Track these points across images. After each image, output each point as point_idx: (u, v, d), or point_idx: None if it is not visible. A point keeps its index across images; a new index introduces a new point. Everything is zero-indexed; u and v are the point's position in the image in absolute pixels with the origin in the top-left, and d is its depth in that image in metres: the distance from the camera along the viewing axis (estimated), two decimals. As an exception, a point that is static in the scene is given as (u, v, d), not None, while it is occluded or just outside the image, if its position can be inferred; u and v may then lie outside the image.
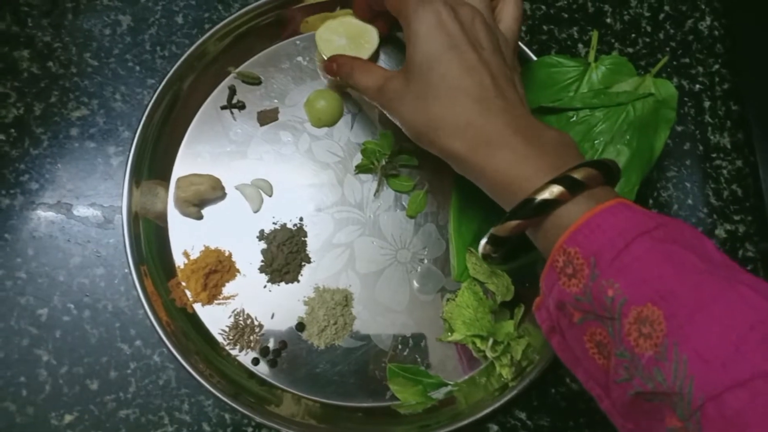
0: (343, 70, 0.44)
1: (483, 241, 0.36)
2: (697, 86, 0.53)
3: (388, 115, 0.40)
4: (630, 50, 0.53)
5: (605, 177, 0.32)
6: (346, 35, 0.47)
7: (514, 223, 0.33)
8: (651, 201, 0.50)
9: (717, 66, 0.54)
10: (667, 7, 0.55)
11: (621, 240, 0.28)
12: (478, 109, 0.35)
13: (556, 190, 0.31)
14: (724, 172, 0.51)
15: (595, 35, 0.49)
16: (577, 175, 0.31)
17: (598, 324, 0.29)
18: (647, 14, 0.55)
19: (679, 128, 0.52)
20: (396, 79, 0.39)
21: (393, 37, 0.50)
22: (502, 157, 0.34)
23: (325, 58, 0.47)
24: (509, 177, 0.33)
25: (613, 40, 0.54)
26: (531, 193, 0.32)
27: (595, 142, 0.46)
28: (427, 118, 0.36)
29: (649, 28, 0.54)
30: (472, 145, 0.35)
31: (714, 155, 0.51)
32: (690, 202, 0.50)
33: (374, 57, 0.48)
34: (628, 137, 0.45)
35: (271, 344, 0.45)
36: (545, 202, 0.31)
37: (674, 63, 0.54)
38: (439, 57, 0.36)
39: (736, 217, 0.50)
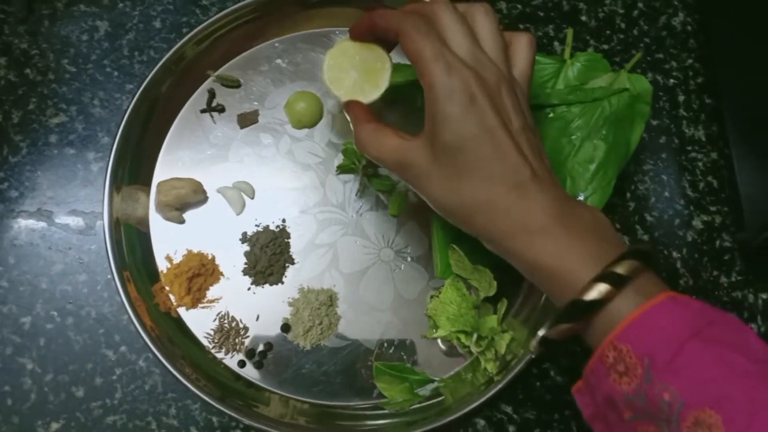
0: (353, 124, 0.40)
1: (534, 343, 0.35)
2: (672, 81, 0.54)
3: (410, 187, 0.38)
4: (605, 47, 0.54)
5: (645, 263, 0.32)
6: (356, 68, 0.41)
7: (565, 326, 0.32)
8: (629, 194, 0.51)
9: (690, 60, 0.55)
10: (640, 4, 0.56)
11: (675, 342, 0.28)
12: (515, 196, 0.34)
13: (603, 289, 0.31)
14: (700, 164, 0.52)
15: (569, 33, 0.49)
16: (621, 270, 0.31)
17: (651, 424, 0.29)
18: (621, 11, 0.55)
19: (654, 122, 0.53)
20: (419, 152, 0.35)
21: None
22: (543, 246, 0.33)
23: (332, 91, 0.41)
24: (551, 267, 0.33)
25: (588, 37, 0.54)
26: (577, 292, 0.31)
27: (572, 137, 0.46)
28: (461, 201, 0.35)
29: (623, 25, 0.55)
30: (511, 231, 0.34)
31: (689, 148, 0.52)
32: (667, 194, 0.51)
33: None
34: (604, 132, 0.46)
35: (256, 346, 0.45)
36: (594, 302, 0.31)
37: (648, 58, 0.54)
38: (471, 139, 0.33)
39: (713, 208, 0.51)
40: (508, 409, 0.46)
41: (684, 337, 0.29)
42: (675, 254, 0.50)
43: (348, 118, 0.41)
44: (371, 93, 0.41)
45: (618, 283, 0.31)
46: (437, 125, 0.34)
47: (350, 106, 0.41)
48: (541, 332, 0.34)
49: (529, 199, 0.34)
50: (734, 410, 0.27)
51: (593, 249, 0.33)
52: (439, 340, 0.46)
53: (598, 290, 0.31)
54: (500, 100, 0.35)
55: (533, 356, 0.36)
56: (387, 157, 0.37)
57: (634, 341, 0.29)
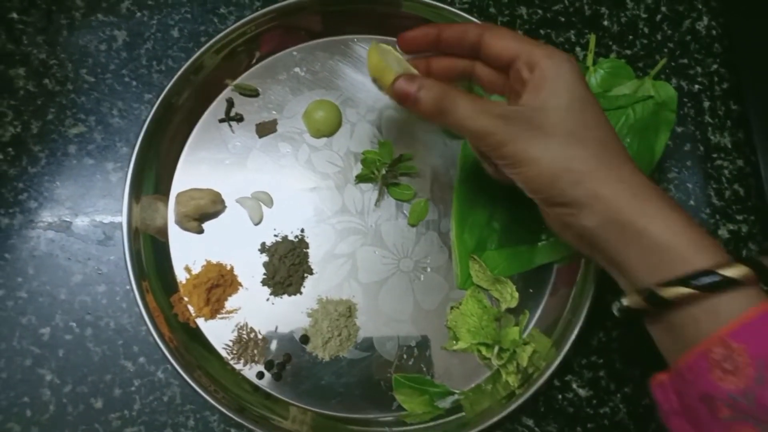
0: (430, 94, 0.35)
1: (634, 298, 0.33)
2: (696, 86, 0.53)
3: (496, 152, 0.35)
4: (628, 52, 0.53)
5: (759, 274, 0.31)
6: (401, 67, 0.40)
7: (685, 291, 0.30)
8: (653, 203, 0.50)
9: (715, 66, 0.54)
10: (664, 8, 0.55)
11: None
12: (624, 158, 0.34)
13: (743, 271, 0.29)
14: (726, 172, 0.51)
15: (592, 39, 0.49)
16: (734, 273, 0.29)
17: (750, 425, 0.28)
18: (644, 16, 0.54)
19: (679, 129, 0.52)
20: (530, 112, 0.34)
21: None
22: (667, 217, 0.32)
23: (380, 64, 0.39)
24: (670, 241, 0.31)
25: (610, 43, 0.53)
26: (712, 265, 0.30)
27: (596, 145, 0.46)
28: (581, 155, 0.33)
29: (646, 30, 0.54)
30: (626, 198, 0.32)
31: (715, 155, 0.51)
32: (692, 203, 0.50)
33: None
34: (628, 140, 0.45)
35: (275, 357, 0.45)
36: (727, 279, 0.29)
37: (672, 64, 0.53)
38: (590, 103, 0.34)
39: (739, 217, 0.50)
40: (530, 422, 0.45)
41: None
42: (701, 264, 0.49)
43: (405, 100, 0.36)
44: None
45: (761, 274, 0.30)
46: (559, 86, 0.34)
47: (419, 78, 0.36)
48: (625, 301, 0.33)
49: (636, 169, 0.34)
50: None
51: (701, 236, 0.31)
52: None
53: (738, 270, 0.29)
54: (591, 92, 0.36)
55: (619, 315, 0.35)
56: (482, 112, 0.34)
57: (749, 341, 0.28)
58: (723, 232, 0.50)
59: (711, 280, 0.29)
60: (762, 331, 0.29)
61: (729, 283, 0.29)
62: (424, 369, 0.45)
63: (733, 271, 0.29)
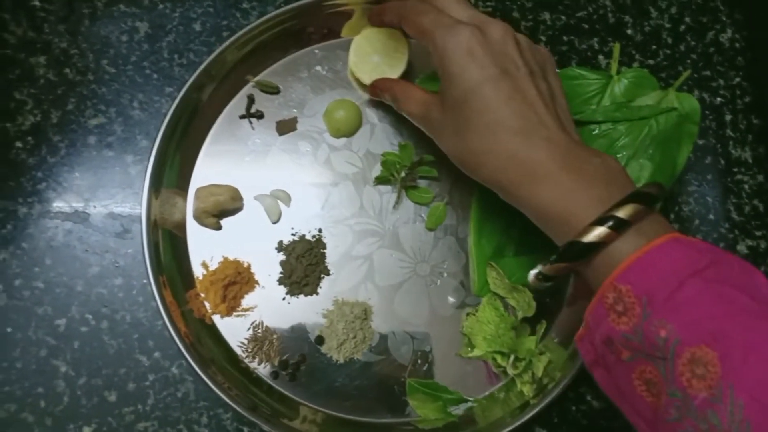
0: (386, 96, 0.44)
1: (532, 273, 0.37)
2: (719, 99, 0.53)
3: (434, 140, 0.41)
4: (651, 62, 0.53)
5: (651, 206, 0.32)
6: (378, 51, 0.47)
7: (562, 264, 0.33)
8: (672, 216, 0.50)
9: (738, 79, 0.53)
10: (687, 19, 0.54)
11: (674, 280, 0.28)
12: (518, 142, 0.34)
13: (601, 232, 0.31)
14: (746, 186, 0.51)
15: (616, 48, 0.48)
16: (622, 213, 0.31)
17: (649, 363, 0.29)
18: (668, 26, 0.54)
19: (700, 142, 0.52)
20: (435, 107, 0.39)
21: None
22: (547, 191, 0.34)
23: (355, 74, 0.48)
24: (555, 212, 0.33)
25: (633, 52, 0.53)
26: (576, 234, 0.32)
27: (618, 156, 0.45)
28: (468, 151, 0.36)
29: (670, 40, 0.54)
30: (515, 178, 0.35)
31: (735, 169, 0.51)
32: (711, 217, 0.50)
33: (407, 67, 0.47)
34: (650, 152, 0.45)
35: (290, 357, 0.45)
36: (592, 245, 0.31)
37: (695, 75, 0.53)
38: (473, 90, 0.35)
39: (758, 233, 0.50)
40: None
41: (684, 275, 0.28)
42: (717, 279, 0.49)
43: (379, 96, 0.46)
44: (390, 74, 0.47)
45: (619, 226, 0.31)
46: (444, 82, 0.37)
47: (379, 80, 0.45)
48: (538, 268, 0.36)
49: (533, 145, 0.34)
50: (731, 346, 0.26)
51: (598, 192, 0.33)
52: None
53: (597, 234, 0.31)
54: (504, 49, 0.36)
55: (530, 288, 0.38)
56: (415, 110, 0.41)
57: (633, 281, 0.30)
58: (742, 248, 0.50)
59: (594, 237, 0.31)
60: (644, 269, 0.30)
61: (621, 224, 0.31)
62: (438, 375, 0.45)
63: (622, 212, 0.31)
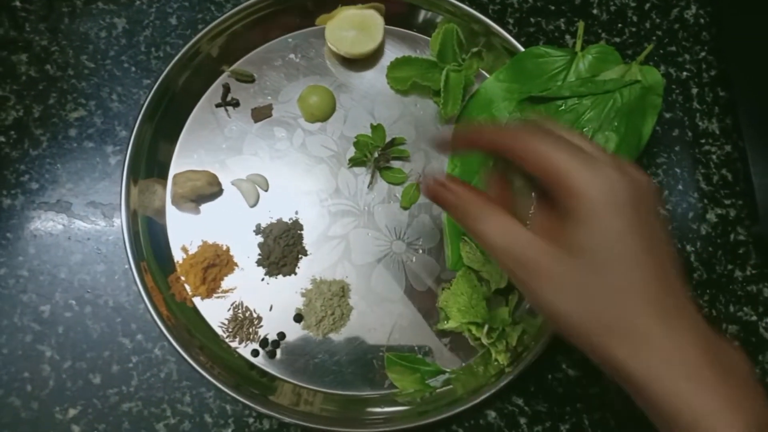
0: (460, 209, 0.32)
1: None
2: (685, 73, 0.54)
3: (518, 287, 0.32)
4: (617, 40, 0.54)
5: None
6: (353, 27, 0.49)
7: None
8: (641, 187, 0.51)
9: (703, 53, 0.54)
10: (653, -3, 0.56)
11: None
12: (660, 323, 0.28)
13: None
14: (714, 157, 0.52)
15: (581, 25, 0.50)
16: None
17: None
18: (633, 4, 0.55)
19: (667, 115, 0.53)
20: (554, 258, 0.29)
21: (394, 18, 0.52)
22: (686, 388, 0.27)
23: (334, 49, 0.50)
24: (689, 418, 0.27)
25: (600, 31, 0.54)
26: None
27: (584, 129, 0.47)
28: (595, 317, 0.28)
29: (635, 18, 0.55)
30: (647, 365, 0.28)
31: (703, 141, 0.52)
32: (680, 187, 0.51)
33: (382, 41, 0.51)
34: (616, 124, 0.46)
35: (269, 336, 0.46)
36: None
37: (661, 51, 0.54)
38: (631, 256, 0.28)
39: (727, 201, 0.51)
40: (520, 401, 0.46)
41: None
42: (689, 248, 0.50)
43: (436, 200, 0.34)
44: (368, 45, 0.50)
45: None
46: (580, 227, 0.28)
47: (451, 182, 0.33)
48: None
49: (677, 330, 0.28)
50: None
51: (744, 415, 0.27)
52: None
53: None
54: (657, 212, 0.30)
55: None
56: (507, 247, 0.30)
57: None
58: (711, 216, 0.51)
59: None
60: None
61: None
62: (416, 348, 0.46)
63: None
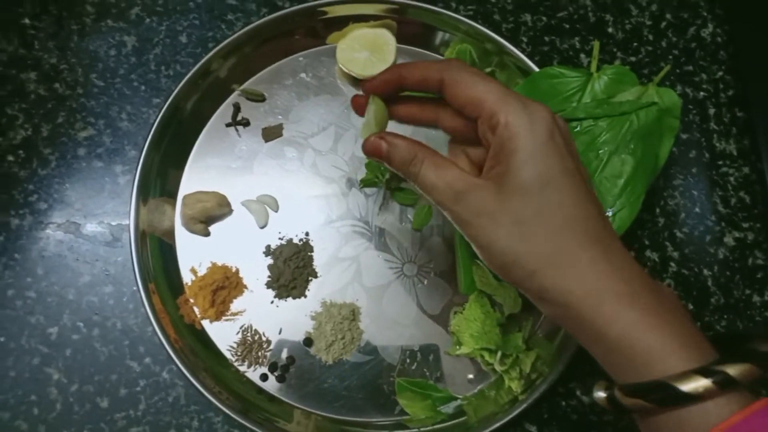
0: (398, 156, 0.33)
1: (602, 395, 0.31)
2: (702, 93, 0.53)
3: (458, 228, 0.32)
4: (632, 59, 0.53)
5: (763, 367, 0.28)
6: (365, 48, 0.48)
7: (639, 401, 0.28)
8: (658, 210, 0.50)
9: (721, 73, 0.54)
10: (668, 15, 0.55)
11: None
12: (595, 251, 0.29)
13: (704, 385, 0.27)
14: (731, 179, 0.51)
15: (596, 45, 0.49)
16: (734, 371, 0.27)
17: None
18: (649, 23, 0.55)
19: (684, 136, 0.52)
20: (486, 190, 0.30)
21: (406, 38, 0.51)
22: (626, 318, 0.28)
23: (345, 70, 0.48)
24: (631, 345, 0.28)
25: (615, 50, 0.54)
26: (668, 376, 0.27)
27: (600, 152, 0.46)
28: (528, 248, 0.29)
29: (651, 37, 0.54)
30: (583, 292, 0.29)
31: (720, 162, 0.51)
32: (697, 210, 0.50)
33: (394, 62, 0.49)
34: (632, 146, 0.45)
35: (279, 360, 0.45)
36: (687, 395, 0.27)
37: (677, 71, 0.53)
38: (555, 180, 0.29)
39: (745, 225, 0.50)
40: (533, 429, 0.45)
41: None
42: (706, 272, 0.49)
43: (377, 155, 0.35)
44: (380, 66, 0.48)
45: (726, 384, 0.27)
46: (514, 162, 0.30)
47: (389, 135, 0.34)
48: (603, 392, 0.31)
49: (611, 256, 0.29)
50: None
51: (685, 331, 0.28)
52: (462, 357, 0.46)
53: (699, 385, 0.27)
54: (572, 142, 0.32)
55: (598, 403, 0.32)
56: (445, 185, 0.31)
57: None
58: (728, 240, 0.50)
59: (694, 388, 0.27)
60: None
61: (727, 384, 0.27)
62: (427, 373, 0.46)
63: (734, 370, 0.27)
